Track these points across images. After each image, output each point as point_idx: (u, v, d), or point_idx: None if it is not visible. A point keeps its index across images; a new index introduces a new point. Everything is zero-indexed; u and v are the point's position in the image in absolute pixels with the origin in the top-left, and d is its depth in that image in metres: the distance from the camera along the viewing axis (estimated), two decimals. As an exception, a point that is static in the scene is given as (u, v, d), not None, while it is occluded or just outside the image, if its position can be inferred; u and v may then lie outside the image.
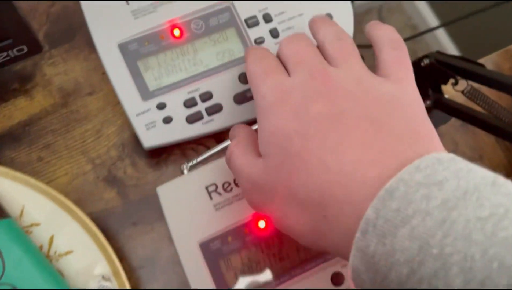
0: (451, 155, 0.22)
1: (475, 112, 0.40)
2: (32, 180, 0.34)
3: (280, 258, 0.35)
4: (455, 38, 1.19)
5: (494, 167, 0.47)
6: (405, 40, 0.52)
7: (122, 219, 0.38)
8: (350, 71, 0.27)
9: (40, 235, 0.34)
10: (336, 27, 0.31)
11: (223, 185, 0.35)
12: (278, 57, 0.30)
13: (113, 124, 0.40)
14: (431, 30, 0.69)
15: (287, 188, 0.25)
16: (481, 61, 0.51)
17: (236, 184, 0.35)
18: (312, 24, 0.32)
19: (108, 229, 0.37)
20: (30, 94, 0.40)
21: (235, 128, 0.33)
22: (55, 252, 0.33)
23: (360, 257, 0.21)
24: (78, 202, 0.38)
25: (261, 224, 0.35)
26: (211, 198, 0.34)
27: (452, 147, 0.47)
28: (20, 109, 0.39)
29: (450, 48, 1.20)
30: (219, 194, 0.34)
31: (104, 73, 0.38)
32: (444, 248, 0.19)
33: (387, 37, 0.29)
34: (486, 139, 0.48)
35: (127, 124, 0.40)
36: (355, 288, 0.23)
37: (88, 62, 0.41)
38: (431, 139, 0.25)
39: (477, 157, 0.47)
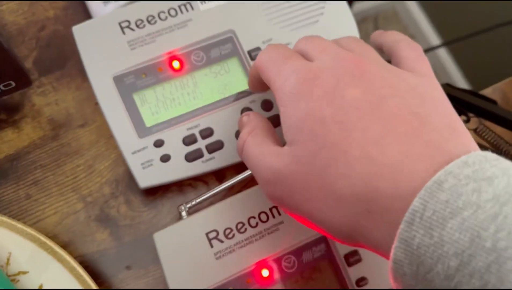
0: (495, 155, 0.22)
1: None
2: (19, 225, 0.31)
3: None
4: (455, 55, 1.18)
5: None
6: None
7: (115, 262, 0.36)
8: (376, 59, 0.27)
9: (28, 284, 0.31)
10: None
11: (224, 232, 0.32)
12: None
13: (106, 159, 0.38)
14: (432, 49, 0.67)
15: (322, 180, 0.24)
16: (487, 90, 0.50)
17: (239, 230, 0.33)
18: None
19: (100, 273, 0.35)
20: (18, 126, 0.37)
21: (245, 115, 0.31)
22: (44, 304, 0.31)
23: (404, 249, 0.20)
24: (68, 244, 0.35)
25: (265, 273, 0.33)
26: (211, 245, 0.32)
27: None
28: (7, 142, 0.37)
29: (448, 63, 1.18)
30: (221, 241, 0.32)
31: (97, 103, 0.36)
32: (498, 242, 0.18)
33: (402, 39, 0.29)
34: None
35: (122, 159, 0.38)
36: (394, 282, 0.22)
37: (81, 91, 0.39)
38: (468, 136, 0.24)
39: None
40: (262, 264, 0.33)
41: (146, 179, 0.34)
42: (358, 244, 0.24)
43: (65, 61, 0.39)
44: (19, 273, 0.31)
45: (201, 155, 0.35)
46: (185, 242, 0.32)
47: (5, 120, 0.37)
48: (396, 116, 0.23)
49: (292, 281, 0.33)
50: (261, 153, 0.27)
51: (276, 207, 0.33)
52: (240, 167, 0.38)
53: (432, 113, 0.23)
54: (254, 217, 0.33)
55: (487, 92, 0.49)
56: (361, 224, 0.23)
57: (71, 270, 0.32)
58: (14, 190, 0.36)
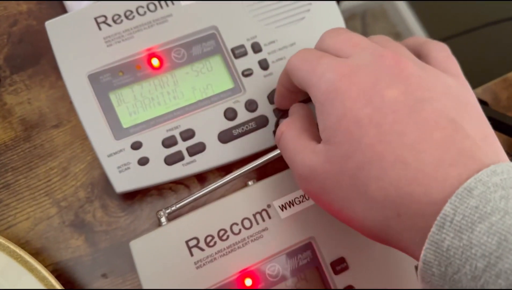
0: None
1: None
2: (-13, 234, 0.30)
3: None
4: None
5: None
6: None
7: (90, 270, 0.34)
8: (411, 57, 0.26)
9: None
10: None
11: (205, 239, 0.31)
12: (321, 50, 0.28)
13: (81, 161, 0.36)
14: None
15: (355, 181, 0.24)
16: (478, 91, 0.48)
17: (220, 238, 0.31)
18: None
19: (75, 281, 0.33)
20: (-12, 126, 0.35)
21: (293, 106, 0.31)
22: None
23: (434, 251, 0.21)
24: (41, 251, 0.34)
25: (248, 282, 0.31)
26: (191, 254, 0.31)
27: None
28: (-25, 144, 0.35)
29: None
30: (201, 249, 0.31)
31: (71, 103, 0.34)
32: None
33: (428, 40, 0.29)
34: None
35: (98, 161, 0.35)
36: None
37: (55, 90, 0.37)
38: (497, 144, 0.24)
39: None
40: (245, 273, 0.31)
41: (122, 183, 0.32)
42: (386, 242, 0.25)
43: (38, 58, 0.37)
44: (-13, 283, 0.29)
45: (182, 158, 0.33)
46: (164, 251, 0.30)
47: (-26, 120, 0.35)
48: (432, 121, 0.23)
49: (277, 291, 0.31)
50: (297, 148, 0.27)
51: (260, 213, 0.32)
52: (223, 169, 0.36)
53: (466, 119, 0.24)
54: (237, 224, 0.31)
55: (478, 92, 0.48)
56: (391, 227, 0.23)
57: (43, 280, 0.30)
58: (-17, 195, 0.34)
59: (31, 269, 0.29)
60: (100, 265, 0.34)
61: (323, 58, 0.26)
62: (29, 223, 0.34)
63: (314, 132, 0.28)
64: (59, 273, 0.33)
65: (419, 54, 0.29)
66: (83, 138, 0.36)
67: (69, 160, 0.36)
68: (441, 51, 0.28)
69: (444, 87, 0.25)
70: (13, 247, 0.30)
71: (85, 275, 0.34)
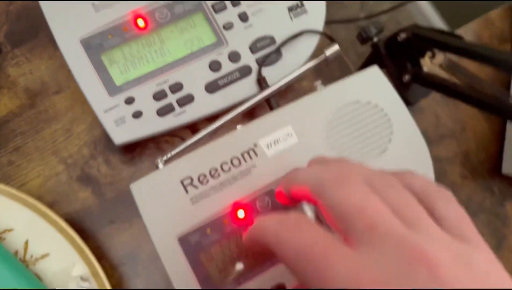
0: None
1: (454, 85, 0.39)
2: (1, 186, 0.33)
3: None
4: (439, 6, 1.17)
5: (478, 138, 0.46)
6: (387, 11, 0.51)
7: (99, 218, 0.37)
8: (434, 238, 0.21)
9: (14, 241, 0.33)
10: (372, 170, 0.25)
11: (198, 178, 0.34)
12: (313, 198, 0.24)
13: (83, 122, 0.39)
14: None
15: None
16: (460, 30, 0.50)
17: (212, 176, 0.34)
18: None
19: (86, 229, 0.37)
20: (-5, 97, 0.39)
21: None
22: (31, 257, 0.33)
23: None
24: (53, 204, 0.37)
25: (240, 214, 0.34)
26: (187, 191, 0.33)
27: (434, 120, 0.46)
28: (-14, 113, 0.38)
29: (433, 17, 1.18)
30: (195, 187, 0.34)
31: (70, 71, 0.37)
32: None
33: (434, 192, 0.24)
34: (469, 110, 0.47)
35: (98, 121, 0.39)
36: None
37: (53, 60, 0.40)
38: None
39: (460, 129, 0.46)
40: (237, 205, 0.34)
41: (120, 135, 0.35)
42: None
43: (36, 32, 0.40)
44: (5, 231, 0.33)
45: (173, 109, 0.36)
46: (161, 190, 0.33)
47: (-18, 93, 0.39)
48: None
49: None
50: None
51: (247, 152, 0.34)
52: (213, 118, 0.39)
53: None
54: (226, 163, 0.34)
55: (461, 31, 0.49)
56: None
57: (56, 225, 0.33)
58: (-4, 158, 0.37)
59: (44, 215, 0.33)
60: (107, 213, 0.37)
61: (332, 254, 0.21)
62: (40, 180, 0.37)
63: None
64: (71, 222, 0.36)
65: (423, 204, 0.24)
66: (83, 101, 0.39)
67: (72, 122, 0.39)
68: (449, 205, 0.23)
69: (484, 280, 0.20)
70: (25, 197, 0.33)
71: (95, 223, 0.37)
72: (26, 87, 0.39)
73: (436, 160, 0.45)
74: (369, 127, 0.36)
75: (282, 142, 0.35)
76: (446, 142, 0.46)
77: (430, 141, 0.46)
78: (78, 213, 0.37)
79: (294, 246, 0.22)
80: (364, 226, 0.21)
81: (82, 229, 0.36)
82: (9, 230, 0.33)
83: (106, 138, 0.39)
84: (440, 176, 0.45)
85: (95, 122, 0.39)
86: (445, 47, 0.39)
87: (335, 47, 0.37)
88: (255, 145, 0.35)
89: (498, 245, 0.44)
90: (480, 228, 0.44)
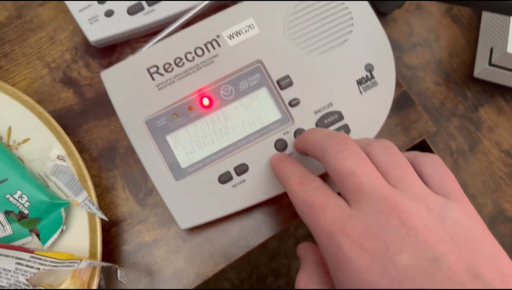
0: None
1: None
2: (-15, 77, 0.36)
3: (225, 132, 0.36)
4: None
5: (451, 46, 0.47)
6: None
7: (80, 115, 0.40)
8: (416, 195, 0.25)
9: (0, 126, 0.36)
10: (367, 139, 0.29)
11: (164, 66, 0.36)
12: (316, 158, 0.29)
13: (65, 30, 0.42)
14: None
15: None
16: None
17: (177, 64, 0.36)
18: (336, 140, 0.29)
19: (67, 125, 0.40)
20: (-15, 9, 0.42)
21: (302, 247, 0.31)
22: (14, 141, 0.36)
23: None
24: (38, 103, 0.40)
25: (205, 101, 0.36)
26: (153, 79, 0.36)
27: (407, 30, 0.47)
28: (-24, 24, 0.42)
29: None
30: (161, 74, 0.36)
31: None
32: None
33: (421, 156, 0.28)
34: (443, 20, 0.48)
35: (79, 29, 0.42)
36: None
37: (38, -25, 0.43)
38: None
39: (433, 38, 0.47)
40: (201, 93, 0.36)
41: (94, 33, 0.38)
42: None
43: (22, -49, 0.43)
44: (-10, 118, 0.36)
45: (142, 8, 0.38)
46: (129, 77, 0.36)
47: (-27, 6, 0.42)
48: (451, 279, 0.22)
49: (232, 108, 0.36)
50: None
51: (210, 43, 0.37)
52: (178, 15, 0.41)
53: (481, 262, 0.23)
54: (190, 52, 0.36)
55: None
56: None
57: (35, 111, 0.36)
58: (-14, 63, 0.41)
59: (22, 101, 0.36)
60: (87, 111, 0.40)
61: (327, 212, 0.26)
62: (26, 82, 0.40)
63: (331, 284, 0.28)
64: (55, 119, 0.39)
65: (414, 168, 0.28)
66: (65, 12, 0.42)
67: (55, 30, 0.42)
68: (435, 167, 0.28)
69: (452, 228, 0.24)
70: (6, 85, 0.36)
71: (76, 120, 0.40)
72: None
73: (409, 68, 0.46)
74: (330, 19, 0.38)
75: (244, 34, 0.37)
76: (418, 51, 0.47)
77: (402, 49, 0.47)
78: (60, 111, 0.40)
79: (303, 199, 0.27)
80: (353, 186, 0.25)
81: (64, 125, 0.39)
82: (-6, 118, 0.36)
83: (86, 44, 0.41)
84: (413, 83, 0.46)
85: (76, 30, 0.41)
86: None
87: None
88: (218, 36, 0.37)
89: (471, 148, 0.45)
90: (452, 132, 0.46)
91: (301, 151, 0.33)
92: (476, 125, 0.45)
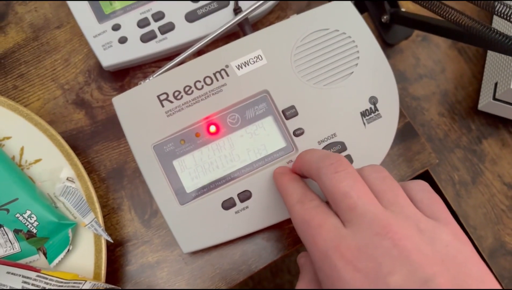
0: None
1: (433, 20, 0.40)
2: (1, 98, 0.37)
3: (231, 159, 0.37)
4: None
5: (457, 79, 0.48)
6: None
7: (90, 137, 0.41)
8: (408, 217, 0.26)
9: (12, 147, 0.37)
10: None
11: (173, 94, 0.37)
12: (312, 178, 0.30)
13: (79, 53, 0.43)
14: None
15: None
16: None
17: (186, 92, 0.37)
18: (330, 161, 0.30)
19: (78, 146, 0.41)
20: (4, 31, 0.43)
21: (302, 256, 0.32)
22: (26, 161, 0.37)
23: None
24: (50, 123, 0.41)
25: (212, 128, 0.37)
26: (162, 105, 0.37)
27: (413, 61, 0.48)
28: (-5, 45, 0.43)
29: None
30: (170, 102, 0.37)
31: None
32: None
33: (409, 183, 0.29)
34: (449, 52, 0.49)
35: (93, 53, 0.43)
36: None
37: (56, -1, 0.44)
38: None
39: (439, 69, 0.48)
40: (209, 121, 0.37)
41: (107, 59, 0.39)
42: None
43: (41, -25, 0.45)
44: (4, 138, 0.37)
45: (155, 36, 0.40)
46: (140, 104, 0.37)
47: (-7, 27, 0.44)
48: None
49: (238, 135, 0.37)
50: None
51: (219, 72, 0.38)
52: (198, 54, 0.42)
53: (470, 283, 0.24)
54: (199, 81, 0.37)
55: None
56: None
57: (47, 133, 0.37)
58: (2, 83, 0.42)
59: (36, 124, 0.37)
60: (98, 133, 0.41)
61: (322, 230, 0.26)
62: (39, 103, 0.42)
63: None
64: (66, 140, 0.41)
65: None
66: (80, 35, 0.43)
67: (70, 53, 0.43)
68: (424, 192, 0.28)
69: (442, 251, 0.25)
70: (21, 108, 0.37)
71: (86, 141, 0.41)
72: (31, 22, 0.44)
73: (414, 98, 0.47)
74: (336, 52, 0.39)
75: (252, 64, 0.38)
76: (424, 82, 0.47)
77: (408, 80, 0.47)
78: (71, 132, 0.41)
79: (302, 217, 0.28)
80: (347, 207, 0.26)
81: (75, 146, 0.40)
82: (8, 138, 0.37)
83: (99, 67, 0.43)
84: (418, 113, 0.46)
85: (90, 54, 0.43)
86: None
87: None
88: (227, 66, 0.38)
89: (474, 180, 0.45)
90: (455, 164, 0.46)
91: (298, 172, 0.34)
92: (479, 157, 0.46)
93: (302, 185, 0.32)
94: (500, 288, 0.24)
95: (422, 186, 0.29)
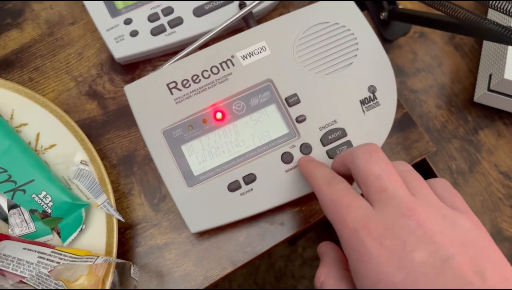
0: None
1: (431, 15, 0.42)
2: (18, 86, 0.39)
3: (236, 144, 0.39)
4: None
5: (454, 73, 0.50)
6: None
7: (102, 126, 0.43)
8: (432, 204, 0.28)
9: (29, 133, 0.39)
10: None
11: (182, 82, 0.39)
12: (347, 165, 0.31)
13: (92, 48, 0.45)
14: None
15: None
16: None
17: (194, 81, 0.39)
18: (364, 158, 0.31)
19: (91, 134, 0.43)
20: (21, 27, 0.46)
21: (323, 245, 0.34)
22: (41, 146, 0.39)
23: None
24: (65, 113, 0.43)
25: (218, 115, 0.39)
26: (171, 93, 0.39)
27: (411, 56, 0.50)
28: (12, 40, 0.45)
29: None
30: (179, 90, 0.39)
31: (84, 5, 0.44)
32: None
33: (431, 179, 0.31)
34: (446, 48, 0.50)
35: (105, 47, 0.45)
36: None
37: (70, -3, 0.46)
38: None
39: (436, 64, 0.50)
40: (215, 108, 0.39)
41: (119, 51, 0.41)
42: None
43: (57, -25, 0.47)
44: (21, 125, 0.39)
45: (164, 30, 0.42)
46: (150, 91, 0.39)
47: (10, 23, 0.46)
48: (460, 278, 0.24)
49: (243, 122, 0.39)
50: None
51: (225, 62, 0.40)
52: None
53: (487, 266, 0.25)
54: (206, 70, 0.39)
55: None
56: None
57: (62, 119, 0.39)
58: (19, 75, 0.44)
59: (52, 111, 0.39)
60: (109, 122, 0.43)
61: (351, 210, 0.28)
62: (54, 94, 0.44)
63: (350, 278, 0.30)
64: (80, 128, 0.43)
65: None
66: (93, 31, 0.46)
67: (83, 47, 0.45)
68: (444, 187, 0.30)
69: (463, 235, 0.26)
70: (37, 95, 0.39)
71: (98, 129, 0.43)
72: (47, 19, 0.46)
73: (412, 91, 0.49)
74: (336, 44, 0.41)
75: (257, 55, 0.40)
76: (422, 76, 0.49)
77: (406, 74, 0.49)
78: (84, 121, 0.43)
79: (330, 198, 0.30)
80: (378, 188, 0.28)
81: (87, 134, 0.42)
82: (25, 124, 0.39)
83: (111, 61, 0.45)
84: (416, 106, 0.48)
85: (103, 48, 0.45)
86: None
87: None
88: (233, 56, 0.40)
89: (471, 169, 0.47)
90: (453, 153, 0.48)
91: (338, 167, 0.34)
92: (476, 147, 0.47)
93: (329, 170, 0.34)
94: None
95: (443, 183, 0.31)
